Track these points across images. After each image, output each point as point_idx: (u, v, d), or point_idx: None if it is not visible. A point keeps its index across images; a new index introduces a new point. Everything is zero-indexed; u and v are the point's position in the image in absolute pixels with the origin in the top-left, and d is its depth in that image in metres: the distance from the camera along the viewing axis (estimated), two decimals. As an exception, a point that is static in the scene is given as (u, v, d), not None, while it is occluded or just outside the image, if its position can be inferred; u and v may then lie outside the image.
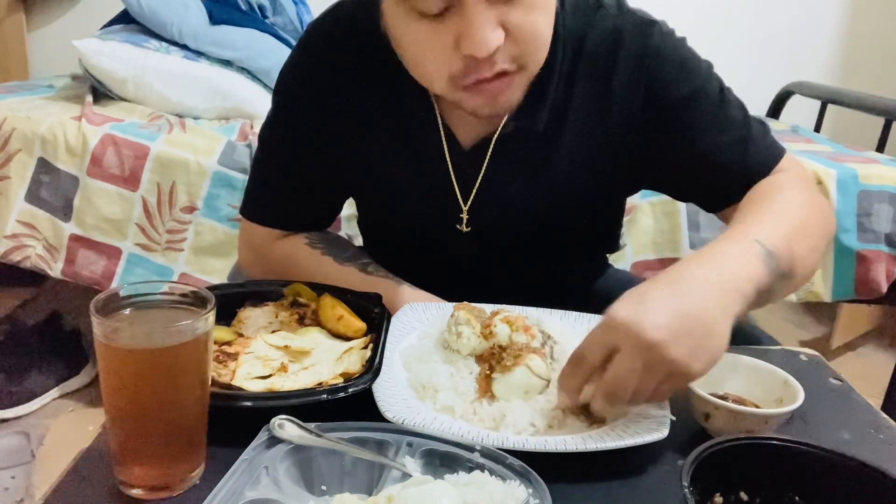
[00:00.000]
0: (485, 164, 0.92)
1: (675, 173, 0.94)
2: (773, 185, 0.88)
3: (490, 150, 0.91)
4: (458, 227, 0.96)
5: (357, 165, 0.98)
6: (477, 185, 0.94)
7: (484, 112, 0.81)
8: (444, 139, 0.92)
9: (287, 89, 0.97)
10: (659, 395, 0.67)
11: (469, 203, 0.95)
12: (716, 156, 0.89)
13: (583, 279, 1.13)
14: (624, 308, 0.65)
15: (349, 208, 1.53)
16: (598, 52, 0.88)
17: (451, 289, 0.93)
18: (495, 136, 0.91)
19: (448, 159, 0.93)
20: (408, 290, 0.94)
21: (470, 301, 0.83)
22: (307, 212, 1.03)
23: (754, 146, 0.90)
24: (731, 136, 0.90)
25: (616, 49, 0.88)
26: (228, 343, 0.77)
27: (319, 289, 0.86)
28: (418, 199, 0.97)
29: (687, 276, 0.68)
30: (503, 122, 0.89)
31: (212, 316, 0.60)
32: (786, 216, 0.79)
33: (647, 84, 0.88)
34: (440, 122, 0.91)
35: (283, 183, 1.00)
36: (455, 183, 0.94)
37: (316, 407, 0.65)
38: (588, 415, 0.72)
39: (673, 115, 0.89)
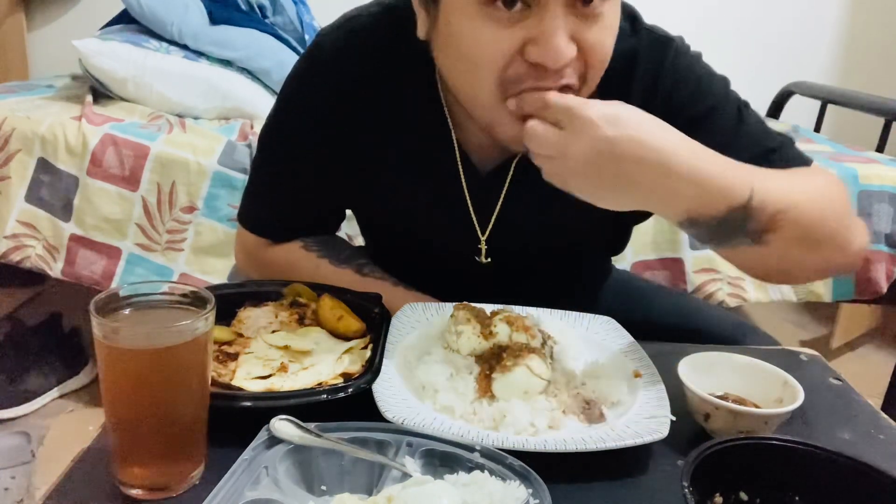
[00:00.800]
0: (504, 191, 0.90)
1: None
2: (808, 171, 0.86)
3: (510, 175, 0.89)
4: (476, 258, 0.94)
5: (364, 184, 0.95)
6: (496, 212, 0.91)
7: (519, 141, 0.74)
8: (459, 162, 0.89)
9: (291, 100, 0.93)
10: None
11: (487, 232, 0.92)
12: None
13: (588, 284, 1.13)
14: (607, 121, 0.66)
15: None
16: (612, 75, 0.84)
17: (455, 299, 0.92)
18: (515, 161, 0.88)
19: (464, 184, 0.90)
20: (404, 293, 0.93)
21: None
22: (302, 225, 1.00)
23: (780, 158, 0.86)
24: (753, 152, 0.84)
25: (631, 71, 0.85)
26: (228, 343, 0.77)
27: (319, 289, 0.86)
28: (433, 224, 0.94)
29: (682, 149, 0.68)
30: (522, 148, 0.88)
31: (212, 316, 0.60)
32: (797, 185, 0.77)
33: (663, 105, 0.85)
34: (456, 144, 0.88)
35: (279, 194, 0.98)
36: (472, 209, 0.91)
37: (316, 407, 0.65)
38: (588, 415, 0.72)
39: (689, 134, 0.85)
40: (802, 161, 0.88)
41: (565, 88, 0.73)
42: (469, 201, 0.91)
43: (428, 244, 0.97)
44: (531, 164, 0.86)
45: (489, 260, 0.93)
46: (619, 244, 1.10)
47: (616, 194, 0.70)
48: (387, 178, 0.93)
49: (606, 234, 0.99)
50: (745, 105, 0.89)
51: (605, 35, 0.73)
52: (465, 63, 0.75)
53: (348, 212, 1.08)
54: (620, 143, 0.66)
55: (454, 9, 0.73)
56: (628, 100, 0.84)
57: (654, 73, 0.86)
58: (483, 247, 0.93)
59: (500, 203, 0.91)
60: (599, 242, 0.99)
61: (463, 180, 0.90)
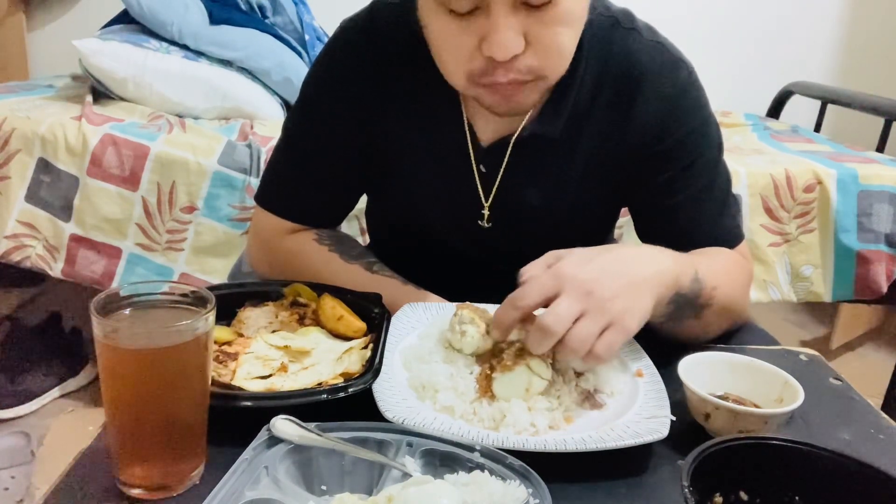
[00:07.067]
0: (503, 165, 0.94)
1: (647, 211, 0.99)
2: (728, 255, 0.94)
3: (509, 151, 0.93)
4: (479, 223, 0.99)
5: (382, 159, 0.99)
6: (497, 183, 0.96)
7: (500, 110, 0.83)
8: (467, 136, 0.94)
9: (317, 82, 0.98)
10: (602, 347, 0.69)
11: (490, 200, 0.97)
12: (689, 216, 0.94)
13: None
14: (572, 264, 0.72)
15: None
16: (625, 73, 0.90)
17: (456, 282, 0.94)
18: (513, 138, 0.92)
19: (471, 156, 0.95)
20: (412, 291, 0.94)
21: (472, 296, 0.84)
22: (323, 206, 1.04)
23: (724, 221, 0.96)
24: (711, 205, 0.95)
25: (642, 75, 0.90)
26: (228, 343, 0.77)
27: (319, 289, 0.86)
28: (441, 193, 0.99)
29: (633, 255, 0.77)
30: (522, 124, 0.92)
31: (212, 316, 0.60)
32: (723, 273, 0.88)
33: (664, 122, 0.91)
34: (465, 119, 0.94)
35: (304, 174, 1.00)
36: (477, 180, 0.96)
37: (316, 407, 0.65)
38: (591, 401, 0.72)
39: (670, 161, 0.92)
40: (739, 233, 0.98)
41: (515, 83, 0.78)
42: (475, 171, 0.96)
43: (435, 212, 1.01)
44: (528, 143, 0.92)
45: (490, 225, 0.98)
46: (610, 222, 1.14)
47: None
48: (403, 149, 0.97)
49: (601, 210, 1.05)
50: (723, 160, 0.96)
51: (558, 29, 0.77)
52: (437, 54, 0.83)
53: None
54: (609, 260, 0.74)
55: (421, 3, 0.80)
56: (636, 97, 0.91)
57: (666, 89, 0.91)
58: (486, 212, 0.98)
59: (500, 175, 0.95)
60: (592, 216, 1.04)
61: (470, 150, 0.95)
